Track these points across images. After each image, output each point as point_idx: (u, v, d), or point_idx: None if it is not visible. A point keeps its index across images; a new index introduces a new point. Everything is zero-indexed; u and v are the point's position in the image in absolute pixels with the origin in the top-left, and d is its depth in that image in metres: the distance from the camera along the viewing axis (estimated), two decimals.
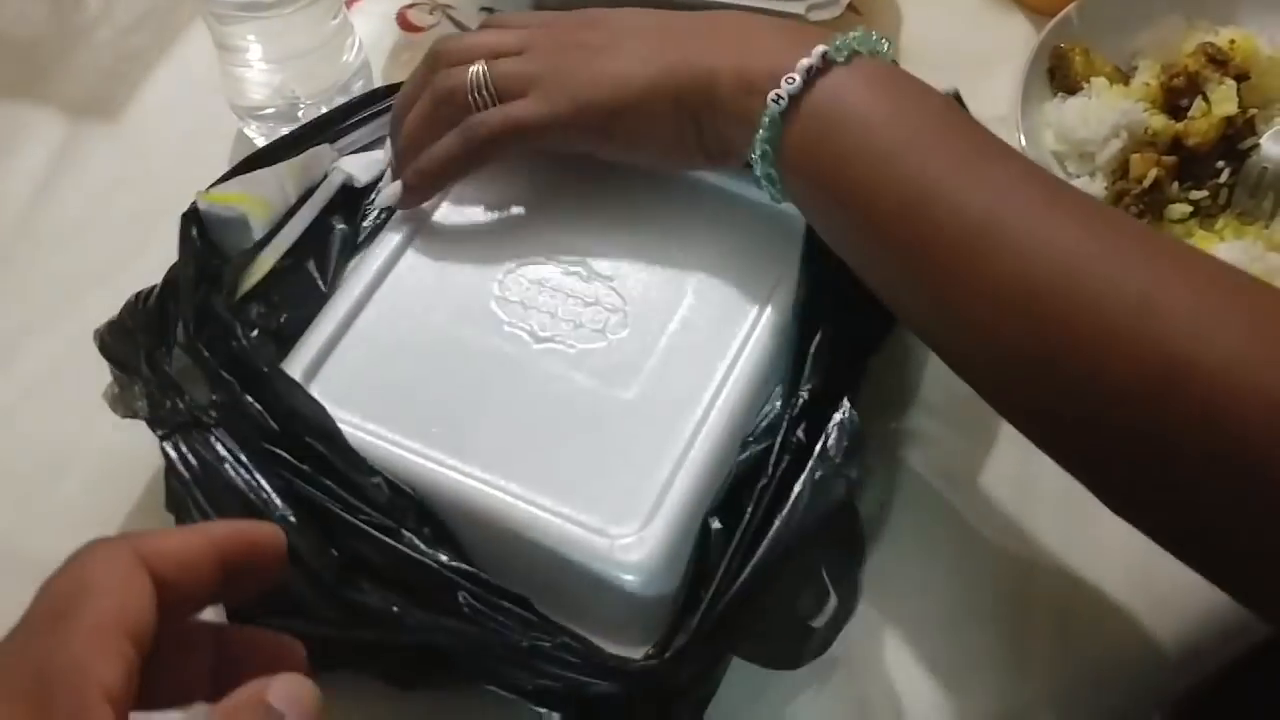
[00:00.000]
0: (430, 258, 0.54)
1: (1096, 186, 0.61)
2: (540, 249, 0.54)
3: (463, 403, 0.50)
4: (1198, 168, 0.61)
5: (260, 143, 0.66)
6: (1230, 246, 0.58)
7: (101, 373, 0.52)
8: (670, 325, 0.51)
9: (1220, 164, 0.61)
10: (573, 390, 0.50)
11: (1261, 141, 0.61)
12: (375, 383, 0.51)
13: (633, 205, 0.55)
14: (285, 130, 0.64)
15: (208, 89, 0.66)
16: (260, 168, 0.56)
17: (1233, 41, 0.63)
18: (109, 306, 0.58)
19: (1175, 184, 0.60)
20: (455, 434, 0.49)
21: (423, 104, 0.53)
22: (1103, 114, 0.61)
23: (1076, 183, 0.61)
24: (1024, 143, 0.61)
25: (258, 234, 0.53)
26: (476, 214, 0.56)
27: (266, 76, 0.62)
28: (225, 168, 0.66)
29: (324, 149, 0.57)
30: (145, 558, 0.32)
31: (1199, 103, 0.62)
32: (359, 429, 0.49)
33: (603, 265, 0.53)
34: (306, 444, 0.47)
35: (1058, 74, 0.65)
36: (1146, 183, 0.59)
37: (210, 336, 0.50)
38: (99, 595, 0.30)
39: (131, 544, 0.32)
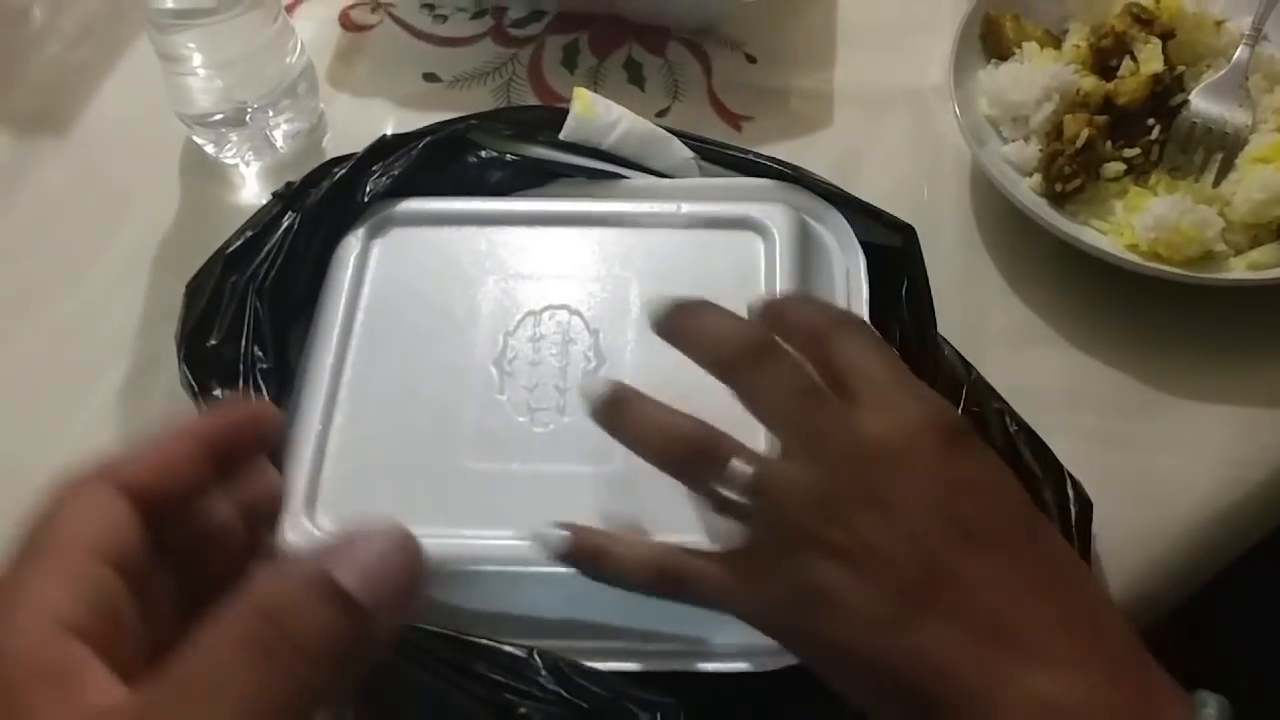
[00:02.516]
0: (386, 335, 0.51)
1: (1031, 150, 0.62)
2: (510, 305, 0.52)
3: (501, 474, 0.47)
4: (1129, 126, 0.62)
5: (210, 150, 0.66)
6: (1163, 201, 0.59)
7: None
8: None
9: (1151, 121, 0.62)
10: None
11: (1190, 97, 0.62)
12: (398, 486, 0.47)
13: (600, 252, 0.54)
14: (234, 136, 0.65)
15: (155, 99, 0.66)
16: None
17: (1158, 1, 0.64)
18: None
19: (1108, 143, 0.61)
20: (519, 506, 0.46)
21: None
22: (1034, 78, 0.62)
23: (1010, 147, 0.62)
24: (958, 110, 0.62)
25: (566, 132, 0.58)
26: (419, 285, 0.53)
27: (209, 83, 0.63)
28: (175, 176, 0.67)
29: (678, 145, 0.58)
30: (117, 476, 0.31)
31: (1127, 62, 0.63)
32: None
33: (584, 309, 0.52)
34: None
35: (989, 40, 0.66)
36: (1080, 143, 0.60)
37: None
38: (63, 526, 0.30)
39: (99, 469, 0.32)
